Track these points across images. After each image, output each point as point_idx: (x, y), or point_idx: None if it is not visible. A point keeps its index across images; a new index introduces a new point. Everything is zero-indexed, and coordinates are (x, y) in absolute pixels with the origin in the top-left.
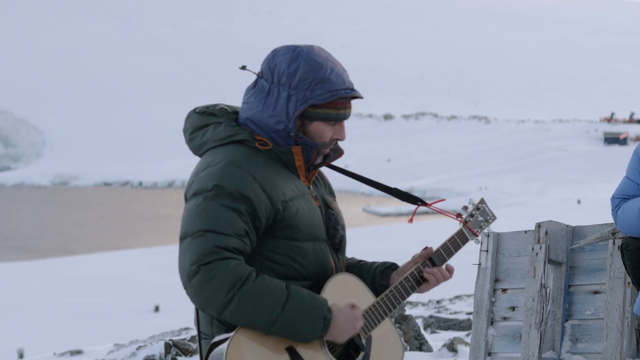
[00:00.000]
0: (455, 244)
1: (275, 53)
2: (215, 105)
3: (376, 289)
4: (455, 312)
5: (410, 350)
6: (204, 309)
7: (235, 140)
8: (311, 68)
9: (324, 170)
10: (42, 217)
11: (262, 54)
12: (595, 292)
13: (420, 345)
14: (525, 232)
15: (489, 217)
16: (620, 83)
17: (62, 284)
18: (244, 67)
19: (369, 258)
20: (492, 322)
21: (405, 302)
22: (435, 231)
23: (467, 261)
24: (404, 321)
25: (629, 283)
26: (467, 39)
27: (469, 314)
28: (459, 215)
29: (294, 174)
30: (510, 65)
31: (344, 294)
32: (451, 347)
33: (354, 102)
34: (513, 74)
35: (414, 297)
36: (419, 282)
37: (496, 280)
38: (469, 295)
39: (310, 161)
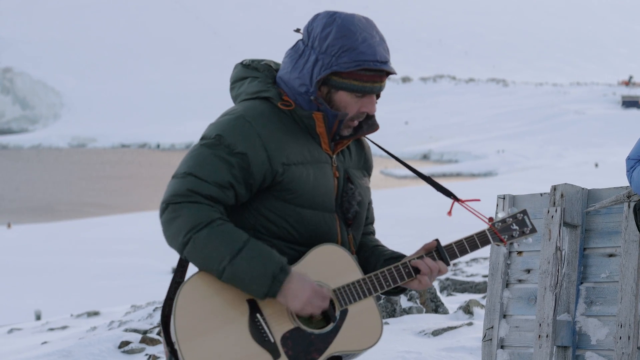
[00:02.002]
0: (472, 243)
1: (315, 17)
2: (261, 60)
3: None
4: (472, 275)
5: (427, 312)
6: (170, 245)
7: (262, 96)
8: (342, 35)
9: (373, 147)
10: (59, 179)
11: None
12: (610, 255)
13: (437, 307)
14: (541, 194)
15: (526, 229)
16: (639, 46)
17: (80, 245)
18: (297, 30)
19: (387, 220)
20: (507, 285)
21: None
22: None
23: (482, 224)
24: None
25: None
26: (485, 1)
27: (484, 276)
28: (490, 219)
29: (315, 140)
30: (528, 27)
31: (327, 264)
32: (467, 309)
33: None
34: (531, 37)
35: None
36: (417, 270)
37: (511, 243)
38: (485, 258)
39: (333, 130)
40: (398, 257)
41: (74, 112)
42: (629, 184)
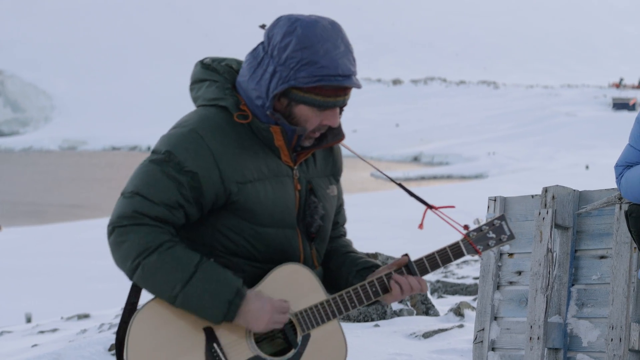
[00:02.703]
0: (445, 256)
1: (277, 22)
2: (222, 60)
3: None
4: (462, 277)
5: (417, 314)
6: (119, 269)
7: (219, 104)
8: (302, 47)
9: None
10: (50, 181)
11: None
12: (602, 257)
13: (427, 309)
14: (532, 196)
15: (503, 236)
16: (631, 48)
17: (71, 248)
18: (263, 26)
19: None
20: (498, 287)
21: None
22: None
23: (473, 226)
24: None
25: (635, 248)
26: (476, 3)
27: (475, 278)
28: (465, 227)
29: (274, 153)
30: (519, 29)
31: (288, 286)
32: (458, 311)
33: (360, 68)
34: (523, 38)
35: None
36: (386, 289)
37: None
38: (476, 260)
39: (292, 143)
40: (370, 267)
41: (65, 115)
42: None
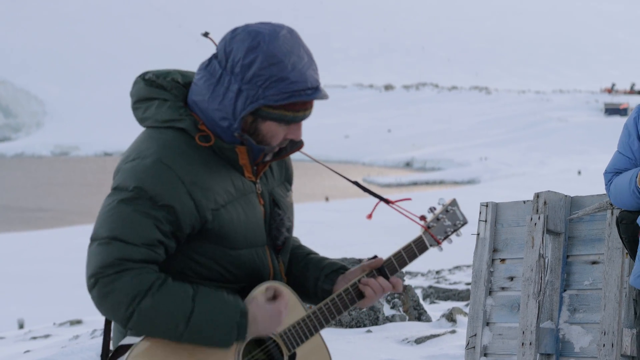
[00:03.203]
0: (410, 252)
1: (234, 35)
2: (167, 74)
3: (317, 293)
4: (455, 283)
5: (410, 320)
6: (110, 319)
7: (176, 127)
8: (270, 64)
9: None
10: (43, 187)
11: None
12: (594, 262)
13: (419, 315)
14: (524, 202)
15: (458, 222)
16: (622, 53)
17: (63, 254)
18: (206, 34)
19: (370, 228)
20: (490, 292)
21: (403, 272)
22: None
23: (466, 231)
24: (402, 291)
25: (626, 253)
26: (468, 8)
27: (468, 284)
28: (422, 217)
29: (237, 170)
30: (511, 34)
31: None
32: (450, 317)
33: (352, 73)
34: (514, 44)
35: (413, 267)
36: (361, 294)
37: (495, 251)
38: (468, 266)
39: (257, 160)
40: (338, 269)
41: (56, 121)
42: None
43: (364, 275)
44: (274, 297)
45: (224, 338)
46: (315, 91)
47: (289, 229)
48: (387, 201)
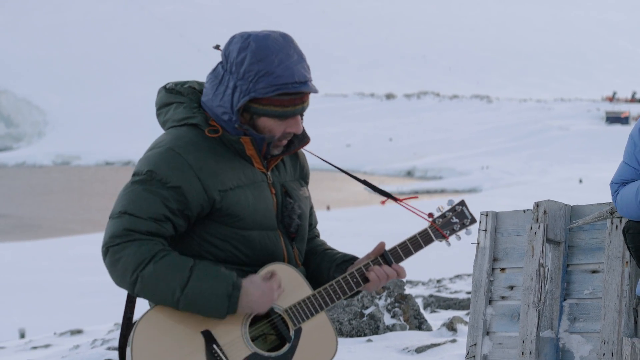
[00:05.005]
0: (416, 243)
1: (231, 40)
2: (184, 83)
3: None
4: (455, 292)
5: (410, 329)
6: (120, 287)
7: (189, 123)
8: (257, 60)
9: (307, 154)
10: (44, 196)
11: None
12: (594, 272)
13: (420, 324)
14: (524, 211)
15: (466, 220)
16: (624, 61)
17: (64, 263)
18: (217, 47)
19: (373, 237)
20: (490, 302)
21: (404, 281)
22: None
23: (466, 240)
24: (403, 300)
25: (627, 262)
26: (469, 17)
27: (468, 293)
28: (430, 214)
29: (247, 162)
30: (512, 43)
31: None
32: (450, 326)
33: (353, 82)
34: (516, 52)
35: (414, 276)
36: (366, 279)
37: (495, 260)
38: (469, 275)
39: (262, 150)
40: (349, 259)
41: (58, 130)
42: (613, 203)
43: (370, 262)
44: (271, 276)
45: (216, 308)
46: (302, 85)
47: (301, 216)
48: (395, 199)
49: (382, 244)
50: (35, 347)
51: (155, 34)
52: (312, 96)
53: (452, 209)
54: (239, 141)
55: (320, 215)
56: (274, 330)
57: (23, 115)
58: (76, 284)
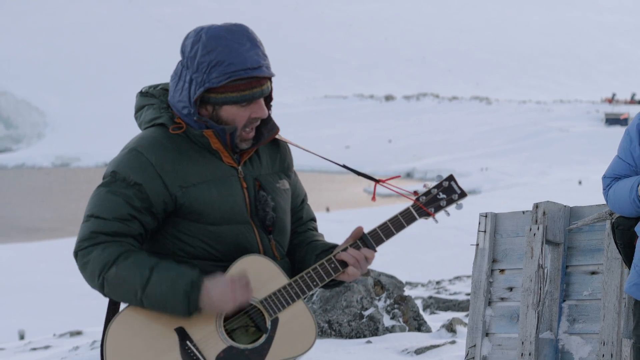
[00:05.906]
0: (397, 223)
1: (187, 36)
2: (157, 86)
3: None
4: (455, 293)
5: (409, 330)
6: (92, 288)
7: (157, 123)
8: (208, 50)
9: (292, 147)
10: (43, 198)
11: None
12: (593, 273)
13: (419, 325)
14: (523, 212)
15: (454, 195)
16: (623, 63)
17: (63, 265)
18: None
19: None
20: (489, 303)
21: (404, 282)
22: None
23: (466, 242)
24: (402, 302)
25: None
26: (469, 19)
27: (468, 294)
28: (415, 192)
29: (215, 156)
30: (512, 44)
31: (250, 276)
32: (450, 327)
33: (353, 84)
34: (515, 54)
35: (413, 277)
36: (345, 264)
37: (494, 261)
38: (468, 276)
39: (227, 142)
40: (329, 249)
41: (57, 132)
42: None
43: (348, 246)
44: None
45: (176, 307)
46: (254, 70)
47: (275, 209)
48: (378, 181)
49: (359, 228)
50: (34, 349)
51: (155, 36)
52: (312, 97)
53: (439, 185)
54: (202, 135)
55: (319, 216)
56: (253, 322)
57: (22, 116)
58: (76, 285)
